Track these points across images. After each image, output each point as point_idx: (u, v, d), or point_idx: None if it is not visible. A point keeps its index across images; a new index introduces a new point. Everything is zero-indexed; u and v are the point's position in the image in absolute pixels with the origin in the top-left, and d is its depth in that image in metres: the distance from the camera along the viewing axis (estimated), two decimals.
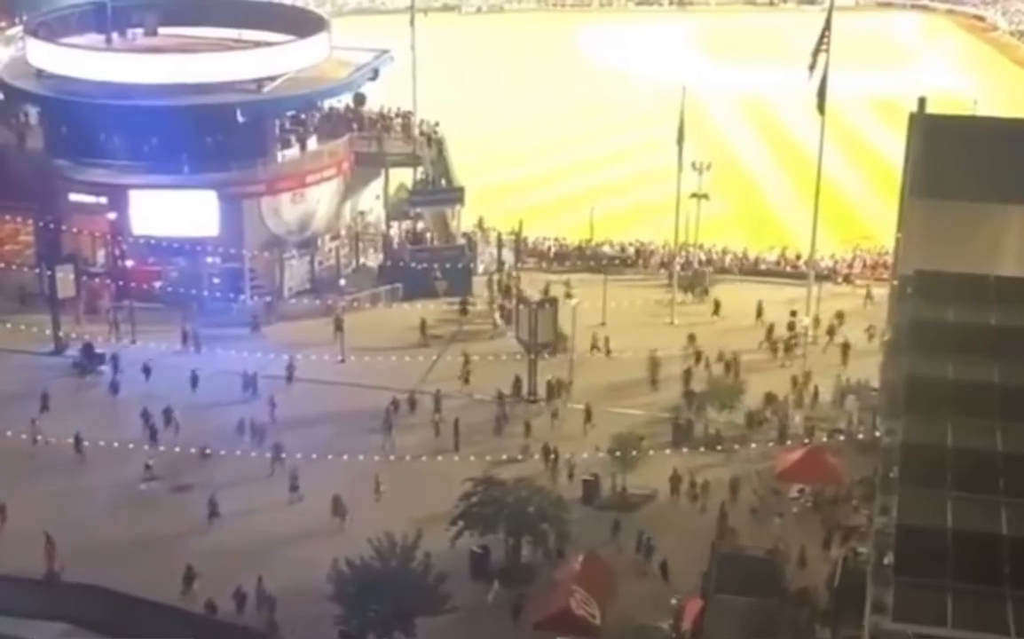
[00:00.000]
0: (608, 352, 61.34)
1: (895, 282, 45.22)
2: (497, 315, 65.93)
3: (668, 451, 52.48)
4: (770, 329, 62.89)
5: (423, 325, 64.32)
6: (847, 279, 71.17)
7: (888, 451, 33.07)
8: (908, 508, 30.00)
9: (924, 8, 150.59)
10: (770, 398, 55.80)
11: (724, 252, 74.57)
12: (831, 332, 62.85)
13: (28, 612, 41.52)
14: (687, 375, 58.46)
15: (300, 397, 57.33)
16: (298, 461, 50.12)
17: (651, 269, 73.09)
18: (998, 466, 31.27)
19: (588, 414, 54.79)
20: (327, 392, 58.13)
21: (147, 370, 58.97)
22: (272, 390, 56.62)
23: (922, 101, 51.17)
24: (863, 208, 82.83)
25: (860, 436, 52.11)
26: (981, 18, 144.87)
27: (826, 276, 69.88)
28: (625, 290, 68.73)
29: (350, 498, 48.14)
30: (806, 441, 52.22)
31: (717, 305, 67.14)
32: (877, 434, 42.32)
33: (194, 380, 57.56)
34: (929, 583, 27.96)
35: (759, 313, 65.47)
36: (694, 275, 70.74)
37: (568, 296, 60.92)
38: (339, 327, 62.70)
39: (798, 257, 71.88)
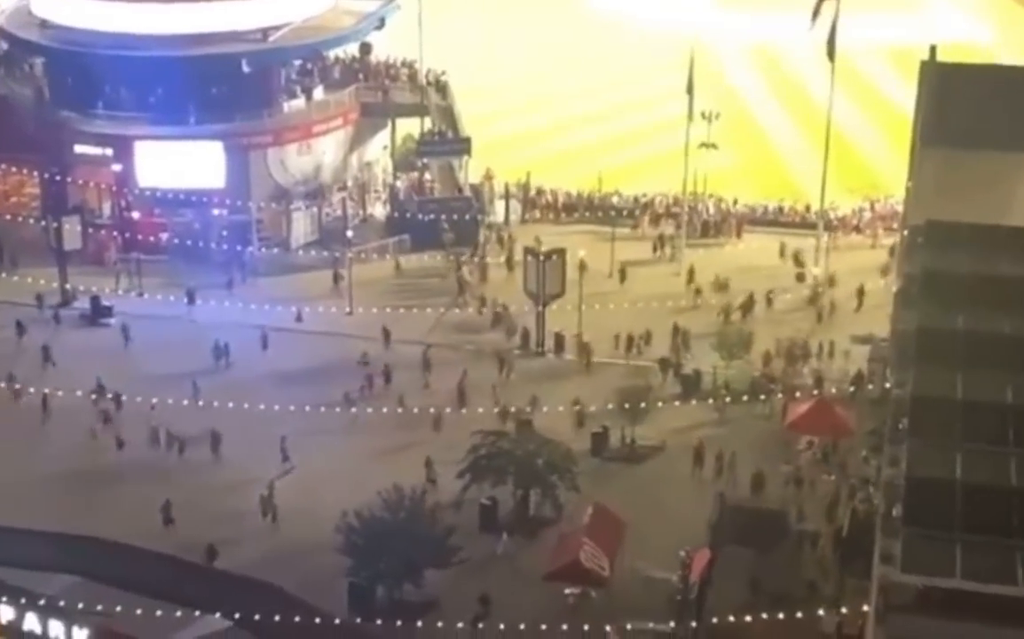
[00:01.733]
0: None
1: (905, 232, 45.17)
2: (465, 271, 65.19)
3: (677, 403, 52.57)
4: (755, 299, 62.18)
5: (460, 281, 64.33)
6: (857, 229, 70.98)
7: (898, 403, 33.16)
8: (917, 460, 30.13)
9: None
10: (782, 350, 55.76)
11: (734, 202, 74.27)
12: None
13: (37, 564, 41.86)
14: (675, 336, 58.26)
15: (294, 352, 57.18)
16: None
17: (661, 220, 72.81)
18: (1008, 418, 31.34)
19: (587, 359, 55.39)
20: (329, 344, 58.16)
21: (125, 330, 58.51)
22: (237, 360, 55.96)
23: (933, 49, 50.91)
24: (875, 158, 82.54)
25: (870, 387, 52.15)
26: None
27: (836, 227, 69.67)
28: (636, 241, 68.96)
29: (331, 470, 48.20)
30: (815, 392, 52.26)
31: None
32: (887, 386, 42.38)
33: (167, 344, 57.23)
34: (938, 535, 28.10)
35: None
36: (704, 226, 70.64)
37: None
38: (336, 280, 62.91)
39: (807, 208, 71.81)
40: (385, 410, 51.70)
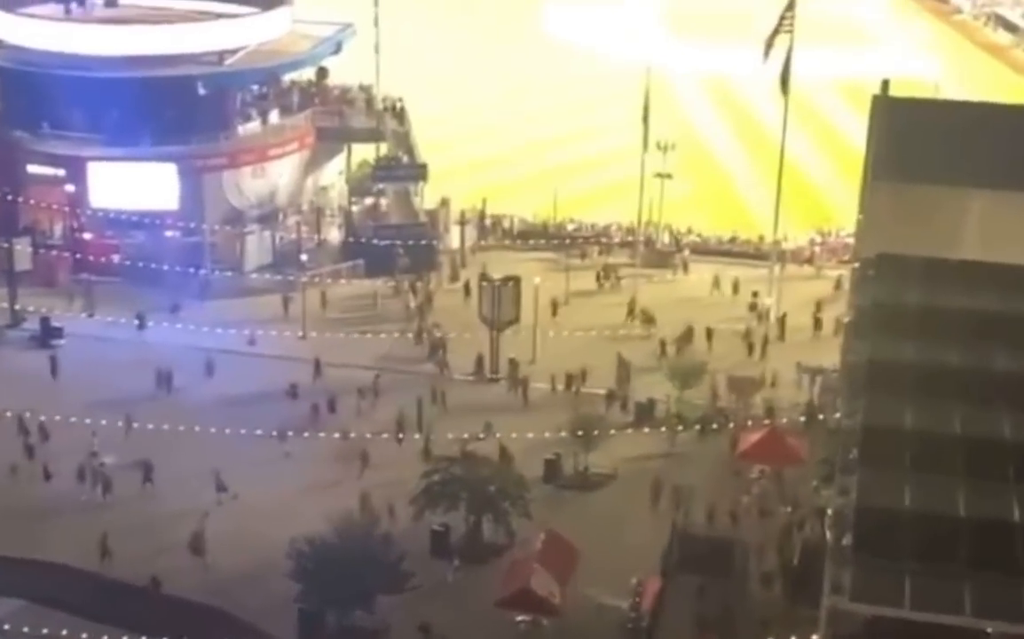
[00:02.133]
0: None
1: (856, 265, 45.49)
2: (410, 298, 64.97)
3: (630, 430, 52.62)
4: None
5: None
6: (809, 261, 71.45)
7: (848, 432, 33.33)
8: (867, 489, 30.27)
9: None
10: (733, 382, 56.03)
11: (688, 231, 74.68)
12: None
13: None
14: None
15: (245, 377, 56.49)
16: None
17: (613, 249, 73.05)
18: (957, 448, 31.58)
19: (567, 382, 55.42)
20: (282, 368, 57.68)
21: (53, 362, 56.99)
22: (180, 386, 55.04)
23: (885, 83, 51.37)
24: (827, 190, 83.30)
25: (821, 417, 52.38)
26: (945, 1, 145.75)
27: (788, 258, 70.06)
28: (587, 270, 69.14)
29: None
30: (767, 422, 52.46)
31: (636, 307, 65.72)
32: (837, 415, 42.60)
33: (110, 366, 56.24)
34: (887, 564, 28.22)
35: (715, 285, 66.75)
36: (659, 255, 70.92)
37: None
38: (286, 305, 62.82)
39: (760, 239, 72.15)
40: (323, 435, 51.31)
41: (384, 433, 51.47)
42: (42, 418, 51.10)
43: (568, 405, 53.77)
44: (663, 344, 59.65)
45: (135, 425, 50.80)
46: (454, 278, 68.08)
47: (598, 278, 68.26)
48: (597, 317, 63.06)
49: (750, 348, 59.85)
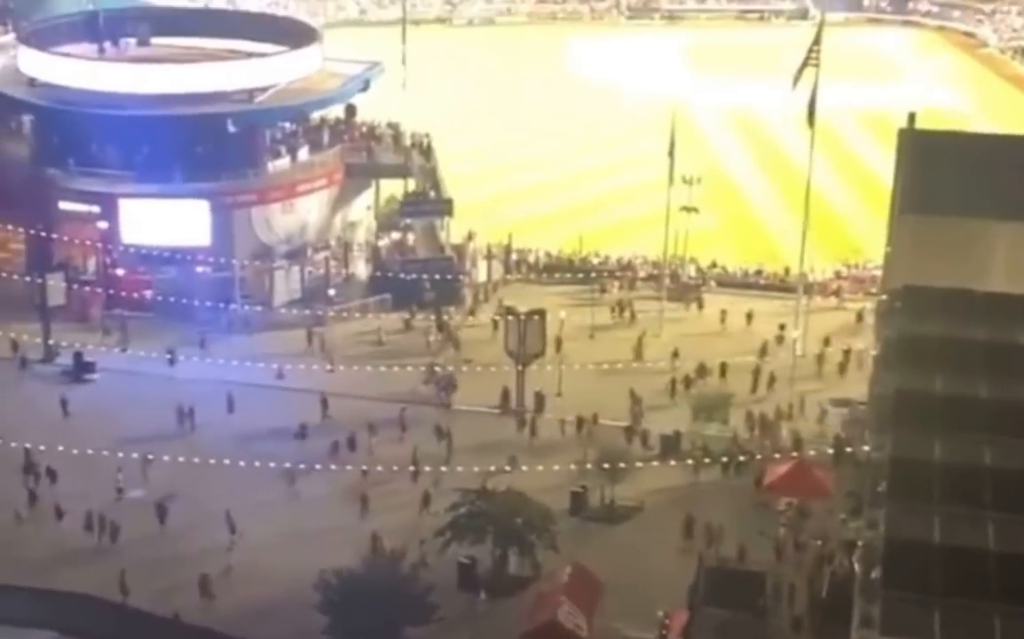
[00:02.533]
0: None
1: (883, 296, 45.19)
2: (433, 334, 64.70)
3: (656, 463, 52.31)
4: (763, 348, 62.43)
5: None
6: (835, 293, 71.09)
7: (876, 465, 32.98)
8: (896, 522, 29.90)
9: (914, 24, 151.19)
10: (762, 417, 55.65)
11: (713, 265, 74.51)
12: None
13: (11, 620, 41.17)
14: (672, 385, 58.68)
15: (272, 411, 56.27)
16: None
17: (640, 282, 72.83)
18: (985, 480, 31.18)
19: (579, 424, 54.81)
20: (309, 402, 57.36)
21: (63, 403, 56.03)
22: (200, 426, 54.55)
23: (912, 116, 51.21)
24: (852, 222, 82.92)
25: (848, 450, 51.96)
26: (971, 34, 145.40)
27: (815, 290, 69.66)
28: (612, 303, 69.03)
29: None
30: (793, 454, 52.07)
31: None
32: (865, 448, 42.21)
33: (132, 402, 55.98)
34: (916, 598, 27.84)
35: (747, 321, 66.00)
36: (684, 288, 70.71)
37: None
38: (310, 339, 62.76)
39: (787, 271, 71.87)
40: (349, 468, 51.20)
41: (408, 466, 51.29)
42: (59, 448, 50.74)
43: (588, 439, 53.40)
44: (686, 378, 59.23)
45: (151, 458, 50.66)
46: (470, 313, 67.77)
47: (612, 312, 67.77)
48: (613, 352, 62.62)
49: (771, 380, 59.23)
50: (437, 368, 59.51)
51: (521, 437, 54.61)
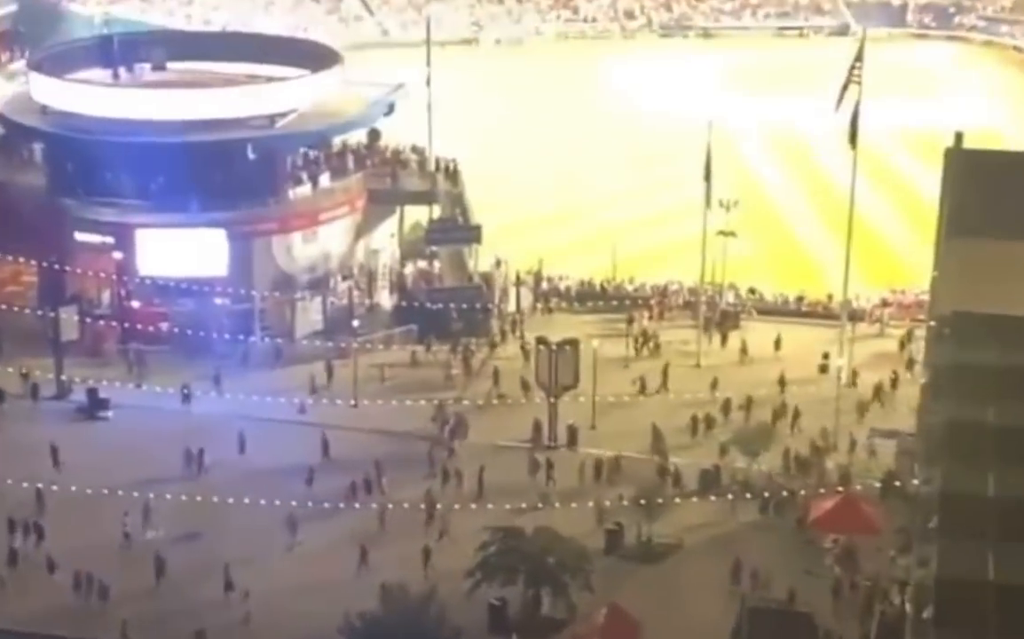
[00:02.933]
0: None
1: (932, 323, 44.92)
2: (456, 367, 64.79)
3: (695, 499, 52.12)
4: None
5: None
6: (880, 320, 70.77)
7: (926, 500, 32.73)
8: (948, 559, 29.64)
9: (960, 39, 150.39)
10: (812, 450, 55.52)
11: (751, 292, 74.43)
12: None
13: None
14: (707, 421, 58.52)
15: (292, 447, 56.17)
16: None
17: (676, 309, 72.81)
18: None
19: (597, 469, 54.53)
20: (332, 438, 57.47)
21: (55, 452, 54.60)
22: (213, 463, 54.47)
23: (959, 136, 51.00)
24: (898, 246, 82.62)
25: (897, 483, 51.64)
26: (1021, 49, 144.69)
27: (859, 317, 69.51)
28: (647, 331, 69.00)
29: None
30: (839, 489, 51.81)
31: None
32: (915, 481, 41.93)
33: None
34: (970, 637, 27.56)
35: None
36: (722, 315, 70.62)
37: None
38: (330, 373, 62.92)
39: (829, 297, 71.81)
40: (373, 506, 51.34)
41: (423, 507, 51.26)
42: (71, 489, 51.12)
43: (609, 484, 53.38)
44: (725, 408, 59.10)
45: (152, 498, 50.66)
46: (492, 346, 67.73)
47: (636, 343, 67.43)
48: (649, 383, 62.62)
49: (814, 411, 58.95)
50: (448, 406, 59.20)
51: (542, 478, 54.28)
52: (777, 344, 66.59)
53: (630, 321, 69.72)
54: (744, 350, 66.87)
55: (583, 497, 51.97)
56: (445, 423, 58.25)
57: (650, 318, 70.79)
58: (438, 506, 50.59)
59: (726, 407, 59.32)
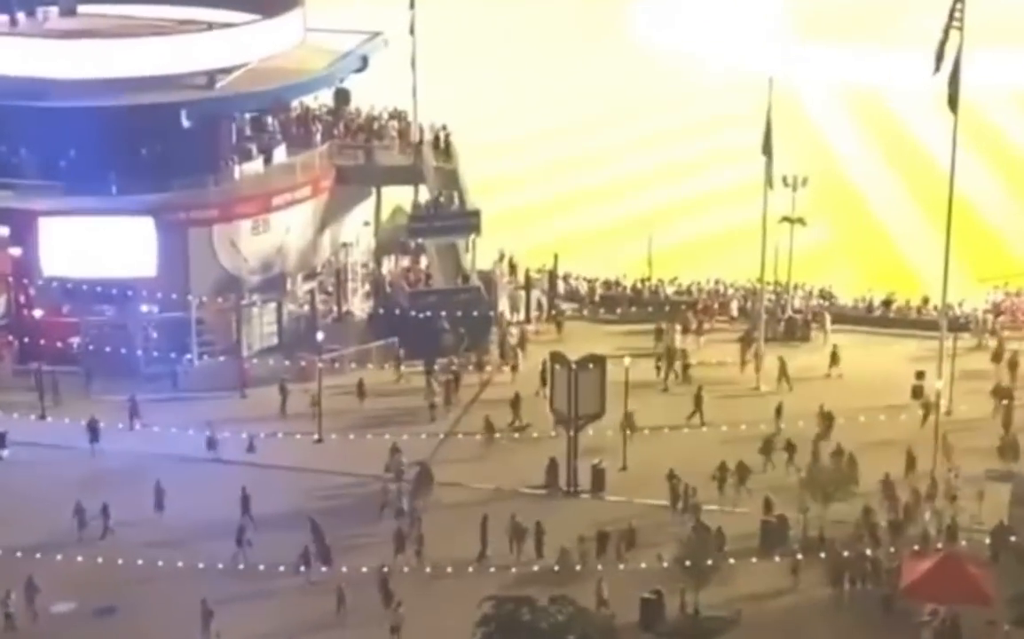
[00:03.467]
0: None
1: None
2: (435, 387, 64.88)
3: (755, 559, 51.87)
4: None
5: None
6: (991, 331, 70.64)
7: None
8: None
9: None
10: (888, 487, 55.24)
11: (825, 294, 74.36)
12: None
13: None
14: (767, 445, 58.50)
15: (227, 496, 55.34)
16: None
17: (729, 317, 72.77)
18: None
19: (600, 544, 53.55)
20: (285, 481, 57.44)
21: None
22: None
23: None
24: (1012, 238, 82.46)
25: (1012, 538, 51.33)
26: None
27: (963, 326, 69.40)
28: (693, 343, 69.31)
29: None
30: (939, 545, 51.54)
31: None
32: None
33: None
34: None
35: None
36: (788, 325, 70.57)
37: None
38: (284, 396, 63.14)
39: (924, 301, 71.82)
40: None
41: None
42: None
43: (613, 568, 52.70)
44: (789, 445, 58.89)
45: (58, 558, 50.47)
46: (480, 366, 67.90)
47: (657, 366, 67.12)
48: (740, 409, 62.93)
49: (907, 445, 58.77)
50: (400, 453, 58.05)
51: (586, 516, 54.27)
52: (857, 361, 66.53)
53: (658, 336, 69.43)
54: (829, 366, 66.92)
55: (611, 558, 51.57)
56: (400, 474, 57.49)
57: (686, 331, 70.31)
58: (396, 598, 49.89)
59: (790, 444, 59.00)
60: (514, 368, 67.22)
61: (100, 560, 50.94)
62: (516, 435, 61.52)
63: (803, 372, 66.79)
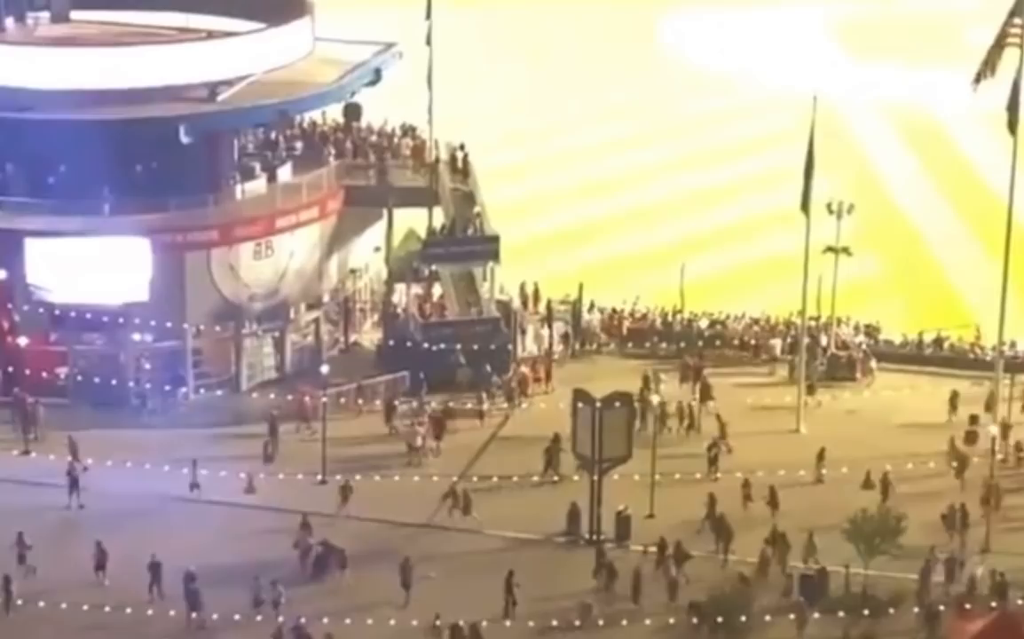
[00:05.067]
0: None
1: None
2: (419, 432, 64.06)
3: (793, 616, 51.46)
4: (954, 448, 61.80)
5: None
6: None
7: None
8: None
9: None
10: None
11: (872, 330, 74.25)
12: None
13: None
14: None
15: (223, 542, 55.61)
16: None
17: (770, 355, 72.66)
18: None
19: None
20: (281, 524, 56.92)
21: None
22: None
23: None
24: None
25: None
26: None
27: (1021, 367, 69.02)
28: (732, 383, 69.21)
29: None
30: (993, 604, 51.09)
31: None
32: None
33: None
34: None
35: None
36: (831, 362, 70.35)
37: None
38: (272, 436, 62.90)
39: (977, 338, 71.80)
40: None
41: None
42: None
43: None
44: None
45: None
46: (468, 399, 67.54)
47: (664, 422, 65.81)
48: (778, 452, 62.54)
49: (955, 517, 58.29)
50: (309, 529, 55.74)
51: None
52: (905, 403, 66.55)
53: (683, 377, 68.92)
54: (864, 407, 66.76)
55: (636, 614, 51.36)
56: (306, 554, 55.16)
57: (684, 379, 69.38)
58: None
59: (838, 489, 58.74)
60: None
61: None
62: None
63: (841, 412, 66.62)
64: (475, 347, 68.99)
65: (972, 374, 69.34)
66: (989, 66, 59.61)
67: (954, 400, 66.22)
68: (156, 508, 57.21)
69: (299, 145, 77.98)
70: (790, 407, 66.42)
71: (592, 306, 76.12)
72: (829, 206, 69.50)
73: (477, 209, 74.03)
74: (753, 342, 73.38)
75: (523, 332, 73.75)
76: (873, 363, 71.31)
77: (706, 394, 67.09)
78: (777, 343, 73.10)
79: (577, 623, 50.90)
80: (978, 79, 59.82)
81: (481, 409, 67.22)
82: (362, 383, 68.02)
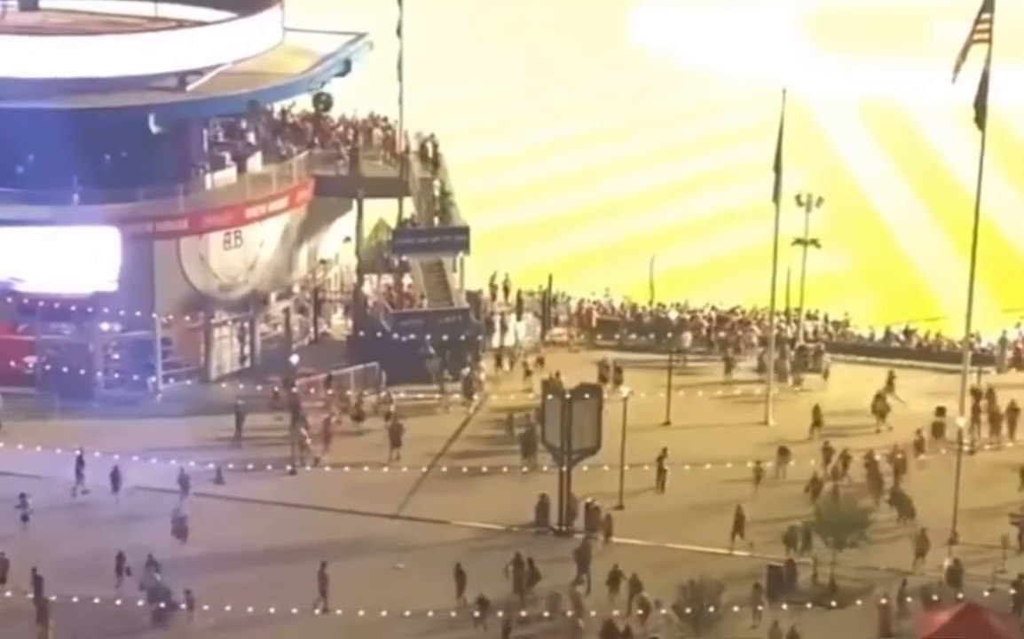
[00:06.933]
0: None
1: None
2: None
3: (761, 607, 51.48)
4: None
5: None
6: (1018, 364, 70.65)
7: None
8: None
9: None
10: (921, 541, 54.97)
11: (840, 323, 74.34)
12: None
13: None
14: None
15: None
16: None
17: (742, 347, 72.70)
18: None
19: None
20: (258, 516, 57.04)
21: None
22: None
23: None
24: None
25: None
26: None
27: (988, 359, 69.48)
28: (698, 377, 69.24)
29: None
30: (960, 595, 51.27)
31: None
32: None
33: None
34: None
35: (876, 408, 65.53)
36: (798, 355, 70.52)
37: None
38: (240, 424, 62.95)
39: (938, 334, 72.29)
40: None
41: None
42: None
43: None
44: (814, 484, 58.78)
45: None
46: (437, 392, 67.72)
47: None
48: (703, 442, 62.75)
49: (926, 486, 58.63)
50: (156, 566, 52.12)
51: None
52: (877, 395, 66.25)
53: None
54: (829, 399, 66.73)
55: (601, 608, 51.09)
56: (154, 594, 51.04)
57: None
58: None
59: (815, 485, 58.95)
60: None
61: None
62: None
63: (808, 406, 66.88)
64: (444, 337, 68.97)
65: (939, 367, 69.61)
66: (962, 60, 59.75)
67: (891, 381, 66.80)
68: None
69: (268, 134, 77.90)
70: (759, 399, 66.73)
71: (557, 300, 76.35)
72: (798, 198, 69.55)
73: (444, 195, 74.15)
74: (722, 334, 73.61)
75: (490, 324, 73.92)
76: (827, 357, 71.36)
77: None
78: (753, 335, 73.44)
79: (546, 614, 50.86)
80: (957, 70, 59.91)
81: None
82: (332, 373, 68.17)
